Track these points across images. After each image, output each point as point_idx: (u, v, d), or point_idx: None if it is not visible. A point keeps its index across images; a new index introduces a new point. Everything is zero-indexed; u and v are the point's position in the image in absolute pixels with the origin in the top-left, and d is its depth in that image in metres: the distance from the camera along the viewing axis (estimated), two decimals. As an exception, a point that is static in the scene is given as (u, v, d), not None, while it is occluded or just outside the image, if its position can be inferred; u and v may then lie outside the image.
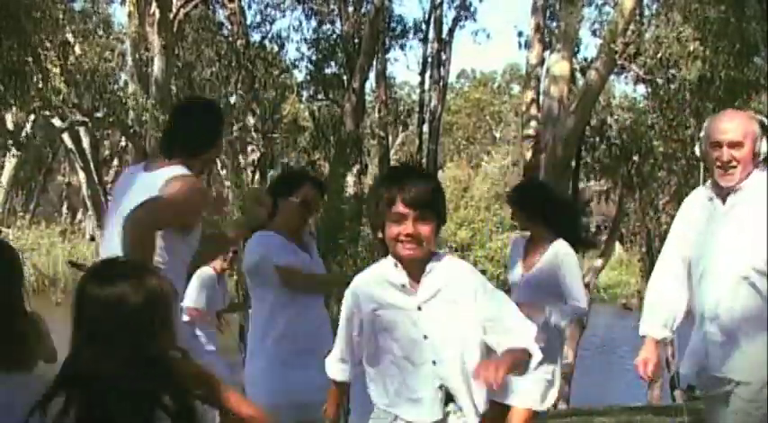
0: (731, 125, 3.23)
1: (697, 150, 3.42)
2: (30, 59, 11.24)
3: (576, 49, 14.63)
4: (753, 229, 3.17)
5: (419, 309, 2.57)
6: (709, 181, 3.37)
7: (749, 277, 3.18)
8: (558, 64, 11.50)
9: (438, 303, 2.56)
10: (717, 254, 3.24)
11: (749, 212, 3.19)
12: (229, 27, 17.82)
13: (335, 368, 2.86)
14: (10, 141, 16.71)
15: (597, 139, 16.45)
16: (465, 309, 2.56)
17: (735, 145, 3.19)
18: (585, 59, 15.77)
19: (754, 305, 3.17)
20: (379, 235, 2.59)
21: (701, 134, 3.35)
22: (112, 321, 1.93)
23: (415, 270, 2.57)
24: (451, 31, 19.29)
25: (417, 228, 2.51)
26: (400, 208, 2.50)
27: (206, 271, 6.88)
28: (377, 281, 2.64)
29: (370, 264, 2.75)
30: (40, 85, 11.62)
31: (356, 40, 17.20)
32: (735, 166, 3.19)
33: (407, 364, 2.58)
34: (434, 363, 2.57)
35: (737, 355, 3.22)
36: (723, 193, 3.27)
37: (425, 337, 2.56)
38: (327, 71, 18.80)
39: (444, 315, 2.56)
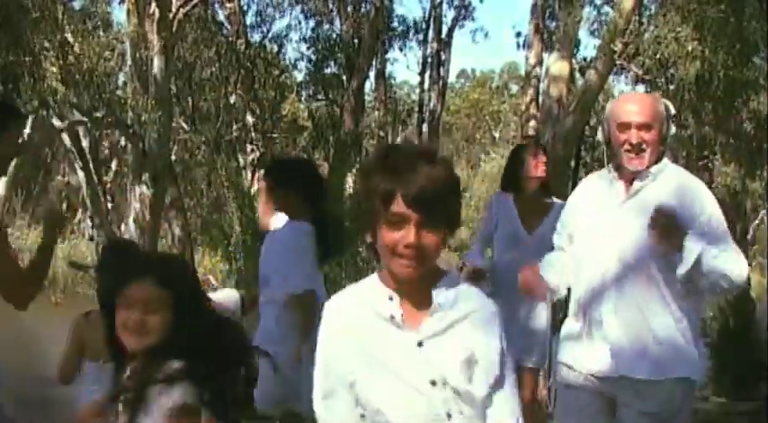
0: (640, 107, 3.11)
1: (599, 135, 3.29)
2: (27, 59, 11.24)
3: (576, 49, 14.67)
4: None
5: (419, 345, 1.91)
6: (611, 164, 3.23)
7: (649, 264, 3.02)
8: (557, 64, 11.50)
9: (448, 340, 1.92)
10: (617, 239, 3.07)
11: (656, 198, 3.04)
12: (229, 27, 17.85)
13: None
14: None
15: (596, 138, 16.48)
16: (479, 350, 1.93)
17: (644, 127, 3.07)
18: (585, 59, 15.83)
19: (650, 293, 3.01)
20: (368, 239, 1.92)
21: (605, 116, 3.23)
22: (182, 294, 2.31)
23: (415, 293, 1.92)
24: (451, 31, 19.33)
25: (421, 237, 1.84)
26: (401, 207, 1.83)
27: None
28: (358, 306, 1.95)
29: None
30: (37, 85, 11.62)
31: (356, 40, 17.23)
32: (644, 149, 3.07)
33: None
34: (449, 416, 1.90)
35: (635, 350, 3.01)
36: (627, 178, 3.13)
37: (433, 382, 1.89)
38: (327, 71, 18.86)
39: (455, 354, 1.91)
